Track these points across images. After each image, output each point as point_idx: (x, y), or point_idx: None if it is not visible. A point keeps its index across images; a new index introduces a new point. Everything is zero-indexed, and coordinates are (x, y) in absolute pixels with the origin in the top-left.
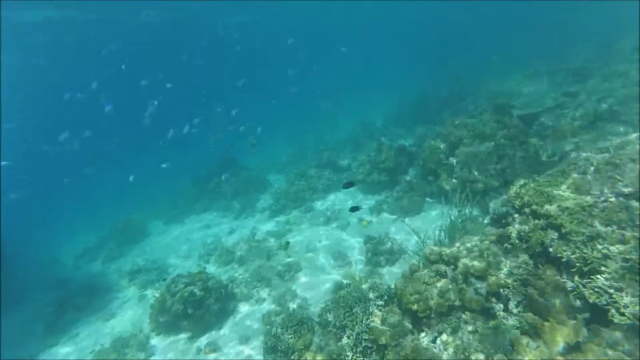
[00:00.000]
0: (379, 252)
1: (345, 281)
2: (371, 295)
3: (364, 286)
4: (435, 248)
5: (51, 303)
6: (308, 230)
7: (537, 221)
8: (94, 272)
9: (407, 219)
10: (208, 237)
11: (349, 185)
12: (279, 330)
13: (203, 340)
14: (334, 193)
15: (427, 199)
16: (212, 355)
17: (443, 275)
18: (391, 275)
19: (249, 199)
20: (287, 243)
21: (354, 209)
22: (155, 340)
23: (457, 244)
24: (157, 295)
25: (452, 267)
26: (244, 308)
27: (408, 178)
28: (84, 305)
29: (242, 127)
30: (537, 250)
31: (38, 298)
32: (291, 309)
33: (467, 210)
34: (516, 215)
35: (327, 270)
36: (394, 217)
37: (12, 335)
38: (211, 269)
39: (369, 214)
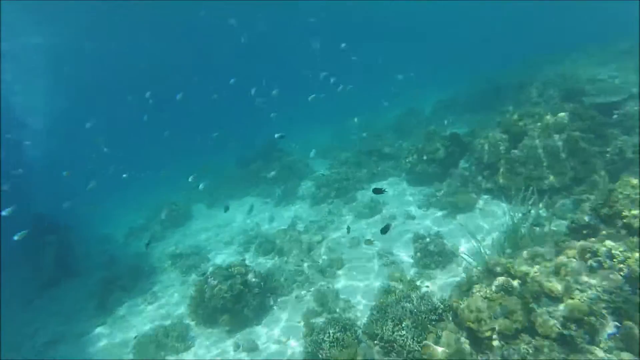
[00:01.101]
0: (428, 252)
1: (391, 283)
2: (423, 307)
3: (414, 295)
4: (500, 260)
5: (101, 281)
6: (351, 223)
7: (637, 238)
8: (141, 252)
9: (458, 216)
10: (248, 224)
11: (378, 191)
12: (321, 337)
13: (240, 337)
14: (380, 182)
15: (483, 195)
16: (251, 355)
17: (509, 291)
18: (443, 281)
19: (291, 185)
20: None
21: (377, 190)
22: (194, 332)
23: (525, 256)
24: (195, 287)
25: (520, 282)
26: (282, 304)
27: (460, 171)
28: (130, 286)
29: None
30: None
31: (92, 273)
32: (332, 309)
33: (532, 212)
34: (604, 228)
35: (372, 268)
36: (443, 212)
37: (65, 309)
38: (251, 258)
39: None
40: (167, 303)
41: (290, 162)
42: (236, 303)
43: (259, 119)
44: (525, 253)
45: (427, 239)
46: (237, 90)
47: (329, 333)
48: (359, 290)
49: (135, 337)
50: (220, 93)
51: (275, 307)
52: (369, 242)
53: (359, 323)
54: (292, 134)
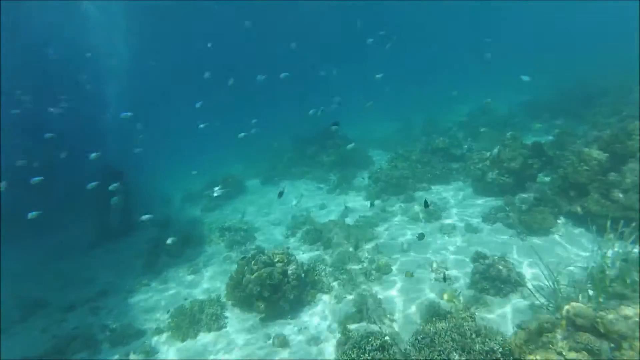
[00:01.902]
0: (489, 276)
1: (442, 301)
2: (477, 347)
3: (467, 326)
4: (586, 310)
5: (152, 241)
6: (405, 225)
7: None
8: (193, 218)
9: (530, 239)
10: (299, 207)
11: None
12: (355, 353)
13: (273, 328)
14: (441, 185)
15: (563, 218)
16: (281, 350)
17: (595, 353)
18: (502, 312)
19: (347, 174)
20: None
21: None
22: (229, 312)
23: (625, 311)
24: (236, 267)
25: (613, 347)
26: (321, 301)
27: (539, 186)
28: (177, 252)
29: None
30: None
31: (148, 230)
32: (372, 319)
33: (633, 253)
34: None
35: (422, 280)
36: (512, 231)
37: (119, 261)
38: (296, 243)
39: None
40: (207, 277)
41: (349, 151)
42: (273, 293)
43: (323, 101)
44: (625, 309)
45: (489, 260)
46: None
47: (364, 349)
48: (404, 303)
49: (168, 312)
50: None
51: (312, 303)
52: (409, 275)
53: (400, 344)
54: (354, 121)
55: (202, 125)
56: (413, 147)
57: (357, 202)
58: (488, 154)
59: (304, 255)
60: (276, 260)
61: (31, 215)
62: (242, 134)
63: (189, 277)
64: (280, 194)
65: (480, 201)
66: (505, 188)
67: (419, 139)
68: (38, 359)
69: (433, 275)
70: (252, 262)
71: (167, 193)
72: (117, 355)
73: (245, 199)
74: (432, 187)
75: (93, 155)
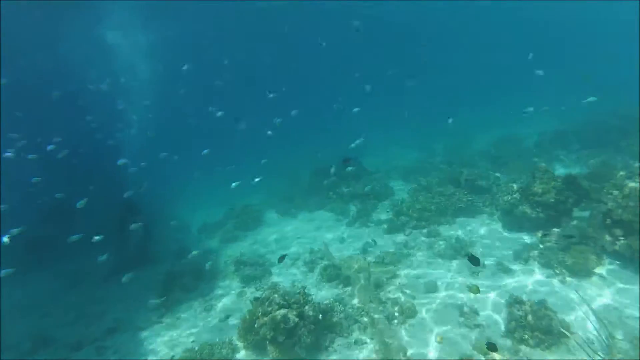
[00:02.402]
0: (527, 324)
1: (475, 353)
2: None
3: None
4: None
5: (165, 275)
6: (429, 262)
7: None
8: (209, 249)
9: (569, 280)
10: (317, 241)
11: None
12: None
13: None
14: (466, 218)
15: (607, 259)
16: None
17: None
18: None
19: (366, 205)
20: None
21: (473, 260)
22: (241, 356)
23: None
24: (249, 307)
25: None
26: (339, 348)
27: (576, 222)
28: (191, 286)
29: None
30: None
31: (162, 262)
32: None
33: None
34: None
35: (450, 326)
36: (547, 272)
37: (131, 296)
38: (313, 281)
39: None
40: (220, 313)
41: (368, 181)
42: (288, 337)
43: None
44: None
45: (527, 306)
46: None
47: None
48: (432, 354)
49: (172, 357)
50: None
51: (330, 349)
52: (473, 292)
53: None
54: (373, 150)
55: (205, 151)
56: (436, 177)
57: (378, 236)
58: (516, 185)
59: (322, 294)
60: (292, 301)
61: (73, 238)
62: (264, 160)
63: (201, 315)
64: (281, 259)
65: (510, 237)
66: (539, 223)
67: (442, 169)
68: None
69: (462, 319)
70: (266, 303)
71: (185, 221)
72: None
73: (263, 231)
74: (457, 220)
75: (121, 161)
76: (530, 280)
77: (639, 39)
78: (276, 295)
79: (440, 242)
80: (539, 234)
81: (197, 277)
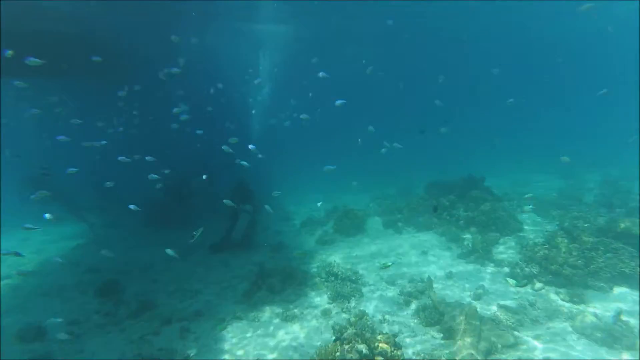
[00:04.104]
0: None
1: None
2: None
3: None
4: None
5: (257, 268)
6: (570, 338)
7: None
8: (305, 249)
9: None
10: (420, 268)
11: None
12: None
13: None
14: (630, 289)
15: None
16: None
17: None
18: None
19: (486, 238)
20: None
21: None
22: None
23: None
24: (326, 346)
25: None
26: None
27: None
28: (278, 289)
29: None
30: None
31: (260, 251)
32: None
33: None
34: None
35: None
36: None
37: (223, 280)
38: (407, 319)
39: None
40: (296, 332)
41: (493, 208)
42: None
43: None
44: None
45: None
46: None
47: None
48: None
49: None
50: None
51: None
52: None
53: None
54: (498, 169)
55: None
56: (586, 220)
57: (497, 282)
58: None
59: (414, 340)
60: (377, 350)
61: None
62: (384, 150)
63: (286, 325)
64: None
65: None
66: None
67: (596, 209)
68: None
69: None
70: (346, 347)
71: (290, 212)
72: None
73: (362, 240)
74: (615, 290)
75: (232, 139)
76: None
77: None
78: (359, 341)
79: (589, 317)
80: None
81: (285, 279)
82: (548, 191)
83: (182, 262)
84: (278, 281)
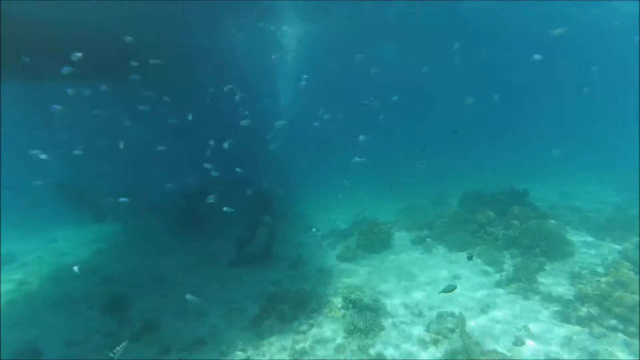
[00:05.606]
0: None
1: None
2: None
3: None
4: None
5: (268, 292)
6: None
7: None
8: (323, 267)
9: None
10: (451, 297)
11: None
12: None
13: None
14: None
15: None
16: None
17: None
18: None
19: (530, 262)
20: None
21: None
22: None
23: None
24: None
25: None
26: None
27: None
28: (289, 317)
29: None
30: None
31: (278, 266)
32: None
33: None
34: None
35: None
36: None
37: (233, 299)
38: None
39: None
40: None
41: (540, 226)
42: None
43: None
44: None
45: None
46: None
47: None
48: None
49: None
50: None
51: None
52: None
53: None
54: (546, 175)
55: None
56: None
57: (544, 321)
58: None
59: None
60: None
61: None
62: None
63: None
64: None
65: None
66: None
67: None
68: None
69: None
70: None
71: (314, 220)
72: None
73: (387, 258)
74: None
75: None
76: None
77: None
78: None
79: None
80: None
81: (298, 305)
82: (602, 205)
83: (196, 276)
84: (290, 308)
